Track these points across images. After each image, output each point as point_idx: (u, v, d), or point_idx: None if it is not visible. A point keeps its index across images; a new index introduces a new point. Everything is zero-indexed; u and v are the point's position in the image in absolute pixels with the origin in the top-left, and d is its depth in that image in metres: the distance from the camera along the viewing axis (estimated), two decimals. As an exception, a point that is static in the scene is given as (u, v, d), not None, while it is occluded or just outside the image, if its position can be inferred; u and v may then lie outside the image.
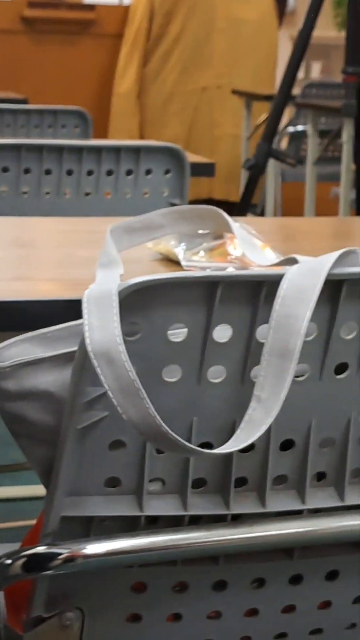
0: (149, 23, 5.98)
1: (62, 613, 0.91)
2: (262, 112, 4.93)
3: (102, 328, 0.76)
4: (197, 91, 5.98)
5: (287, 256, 0.93)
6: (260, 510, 0.89)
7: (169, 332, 0.82)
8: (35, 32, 6.16)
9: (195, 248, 1.18)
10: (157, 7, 5.94)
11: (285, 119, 5.28)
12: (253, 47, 6.01)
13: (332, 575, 0.95)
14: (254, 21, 6.01)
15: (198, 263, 1.14)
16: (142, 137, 5.97)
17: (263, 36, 6.04)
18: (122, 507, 0.87)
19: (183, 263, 1.15)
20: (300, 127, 5.04)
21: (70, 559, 0.86)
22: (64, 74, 6.18)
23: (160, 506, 0.88)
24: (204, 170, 2.19)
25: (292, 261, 0.86)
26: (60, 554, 0.86)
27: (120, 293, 0.78)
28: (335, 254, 0.83)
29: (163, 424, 0.75)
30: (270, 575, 0.93)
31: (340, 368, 0.87)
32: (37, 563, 0.86)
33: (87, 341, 0.77)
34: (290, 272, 0.81)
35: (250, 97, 5.29)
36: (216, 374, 0.85)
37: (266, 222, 1.93)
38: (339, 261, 0.83)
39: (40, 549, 0.86)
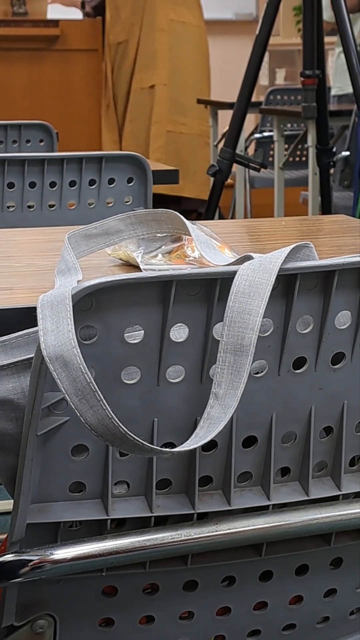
0: (108, 33, 5.99)
1: (33, 621, 0.91)
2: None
3: (56, 332, 0.76)
4: (146, 90, 5.94)
5: (243, 254, 0.93)
6: (226, 508, 0.89)
7: (126, 334, 0.82)
8: (0, 50, 6.16)
9: (153, 251, 1.18)
10: (111, 16, 5.94)
11: (252, 125, 5.31)
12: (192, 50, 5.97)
13: (301, 570, 0.96)
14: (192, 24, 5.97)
15: (156, 266, 1.15)
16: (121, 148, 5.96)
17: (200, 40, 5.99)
18: (88, 512, 0.87)
19: (142, 266, 1.15)
20: (267, 133, 5.07)
21: (38, 566, 0.86)
22: (30, 91, 6.18)
23: (126, 509, 0.88)
24: (167, 177, 2.19)
25: (248, 259, 0.86)
26: (29, 560, 0.86)
27: (73, 297, 0.78)
28: (287, 249, 0.83)
29: (121, 425, 0.75)
30: (240, 572, 0.94)
31: (298, 362, 0.87)
32: (5, 571, 0.86)
33: (42, 346, 0.76)
34: (242, 268, 0.81)
35: (215, 106, 5.31)
36: (175, 373, 0.85)
37: (231, 224, 1.93)
38: (291, 256, 0.84)
39: (8, 556, 0.86)
